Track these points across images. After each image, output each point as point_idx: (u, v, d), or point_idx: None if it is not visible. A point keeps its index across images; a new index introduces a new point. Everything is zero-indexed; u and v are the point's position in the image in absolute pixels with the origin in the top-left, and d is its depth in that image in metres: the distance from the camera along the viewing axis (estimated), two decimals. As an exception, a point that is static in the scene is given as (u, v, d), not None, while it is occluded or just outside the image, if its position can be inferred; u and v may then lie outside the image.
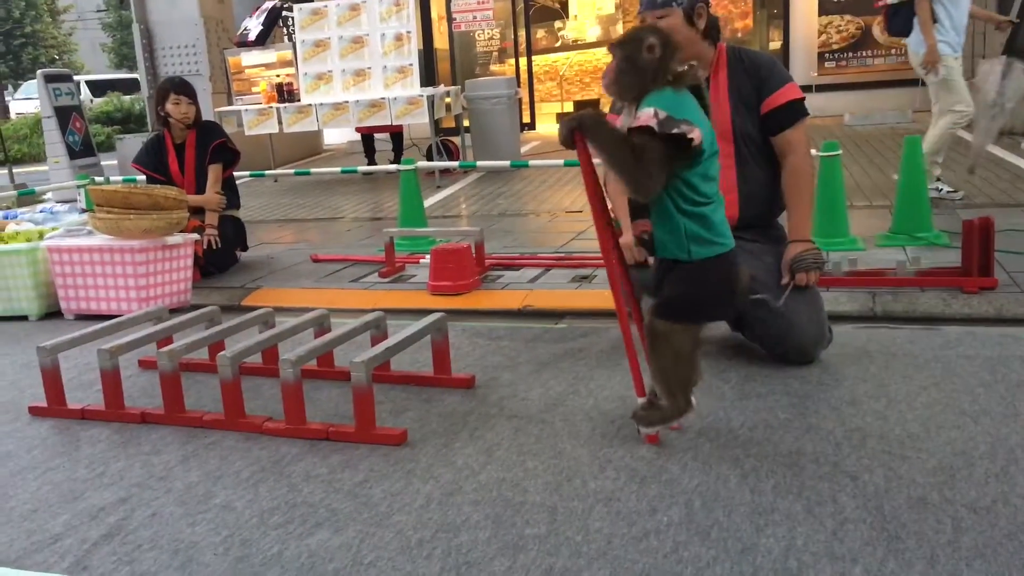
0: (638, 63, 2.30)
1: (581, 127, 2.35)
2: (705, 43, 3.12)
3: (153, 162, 5.23)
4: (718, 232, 2.39)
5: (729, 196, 3.06)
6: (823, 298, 3.21)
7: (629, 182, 2.30)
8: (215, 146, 5.17)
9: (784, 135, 3.10)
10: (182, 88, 5.14)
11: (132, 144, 9.30)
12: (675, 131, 2.22)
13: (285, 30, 10.60)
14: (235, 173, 5.51)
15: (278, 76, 9.46)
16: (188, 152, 5.18)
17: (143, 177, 5.34)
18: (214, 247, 5.03)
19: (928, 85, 5.83)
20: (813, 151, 5.20)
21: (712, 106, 3.08)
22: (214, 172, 5.17)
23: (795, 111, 3.10)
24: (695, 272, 2.40)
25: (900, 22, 5.83)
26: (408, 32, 8.76)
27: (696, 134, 2.23)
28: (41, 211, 5.59)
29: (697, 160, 2.30)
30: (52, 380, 3.17)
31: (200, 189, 5.13)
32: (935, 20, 5.53)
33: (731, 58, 3.15)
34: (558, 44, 16.61)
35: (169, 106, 5.11)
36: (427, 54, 12.58)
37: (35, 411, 3.21)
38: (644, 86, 2.31)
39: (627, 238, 2.94)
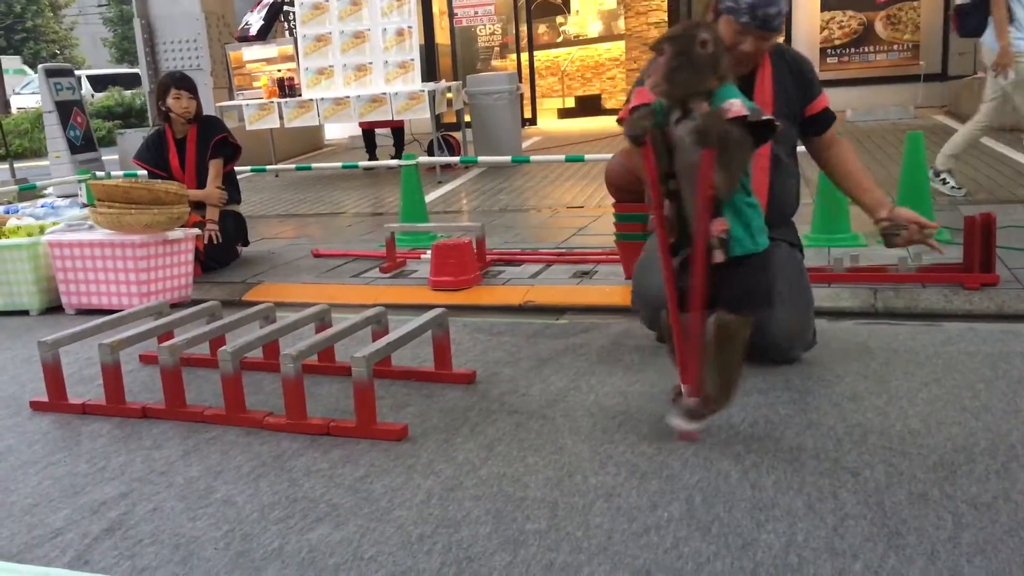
0: (692, 59, 2.24)
1: (712, 140, 2.22)
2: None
3: (154, 157, 5.23)
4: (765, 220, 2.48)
5: (760, 196, 2.92)
6: (817, 296, 3.19)
7: (732, 179, 2.28)
8: (216, 141, 5.17)
9: (825, 136, 3.21)
10: (183, 83, 5.14)
11: (133, 139, 9.31)
12: (765, 118, 2.24)
13: (286, 25, 10.59)
14: (236, 168, 5.51)
15: (279, 71, 9.45)
16: (189, 147, 5.18)
17: (144, 172, 5.34)
18: (215, 242, 5.03)
19: (987, 84, 5.64)
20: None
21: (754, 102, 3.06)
22: (215, 167, 5.17)
23: (833, 116, 3.22)
24: (763, 261, 2.45)
25: (974, 23, 5.61)
26: (409, 27, 8.75)
27: (780, 123, 2.30)
28: (42, 206, 5.59)
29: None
30: (53, 375, 3.17)
31: (201, 184, 5.13)
32: (1011, 20, 5.33)
33: (774, 56, 3.08)
34: (559, 39, 16.60)
35: (170, 101, 5.11)
36: (428, 49, 12.57)
37: (36, 406, 3.21)
38: (699, 83, 2.26)
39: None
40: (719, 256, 2.39)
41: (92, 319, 3.44)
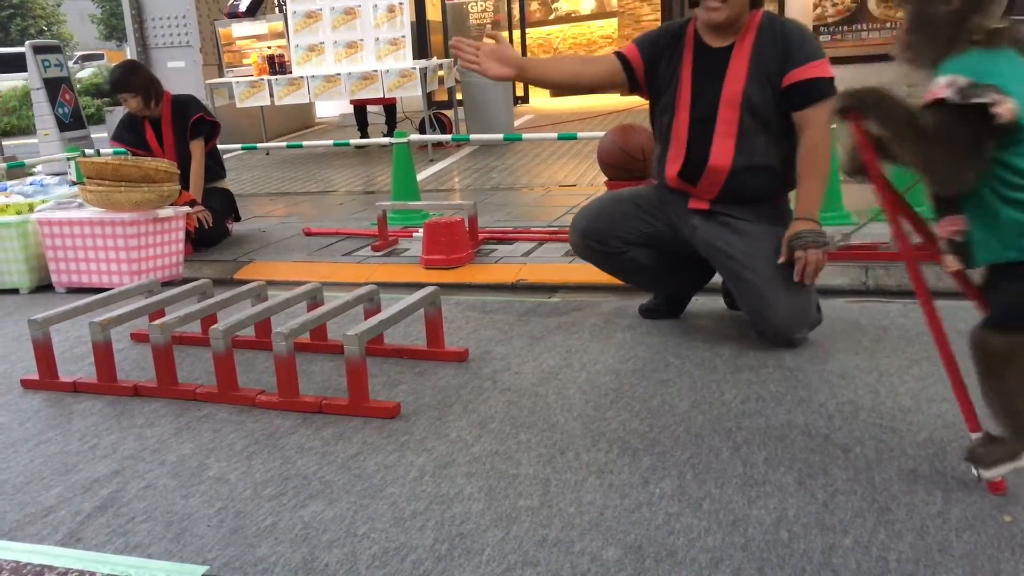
0: (931, 18, 1.87)
1: (860, 107, 1.92)
2: (748, 4, 3.02)
3: (133, 138, 5.13)
4: None
5: (723, 163, 3.01)
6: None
7: (929, 172, 1.88)
8: (194, 121, 5.10)
9: (804, 112, 2.97)
10: (119, 87, 5.00)
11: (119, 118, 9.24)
12: (975, 100, 1.74)
13: (276, 1, 10.50)
14: (226, 146, 5.46)
15: (269, 48, 9.38)
16: (165, 128, 5.09)
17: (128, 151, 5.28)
18: (206, 226, 4.95)
19: None
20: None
21: (729, 71, 3.02)
22: (198, 148, 5.09)
23: (818, 89, 2.94)
24: None
25: None
26: (400, 3, 8.67)
27: (1007, 106, 1.73)
28: (31, 184, 5.53)
29: (1016, 136, 1.79)
30: (44, 353, 3.16)
31: (182, 163, 5.02)
32: None
33: (763, 25, 3.02)
34: (552, 17, 16.50)
35: (122, 102, 5.05)
36: (420, 26, 12.47)
37: (27, 384, 3.20)
38: (942, 48, 1.87)
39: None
40: (952, 263, 2.04)
41: (82, 297, 3.42)
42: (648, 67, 3.18)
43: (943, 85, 1.78)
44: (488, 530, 2.03)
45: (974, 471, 2.03)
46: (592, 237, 3.27)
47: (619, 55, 3.22)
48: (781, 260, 2.93)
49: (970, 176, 1.83)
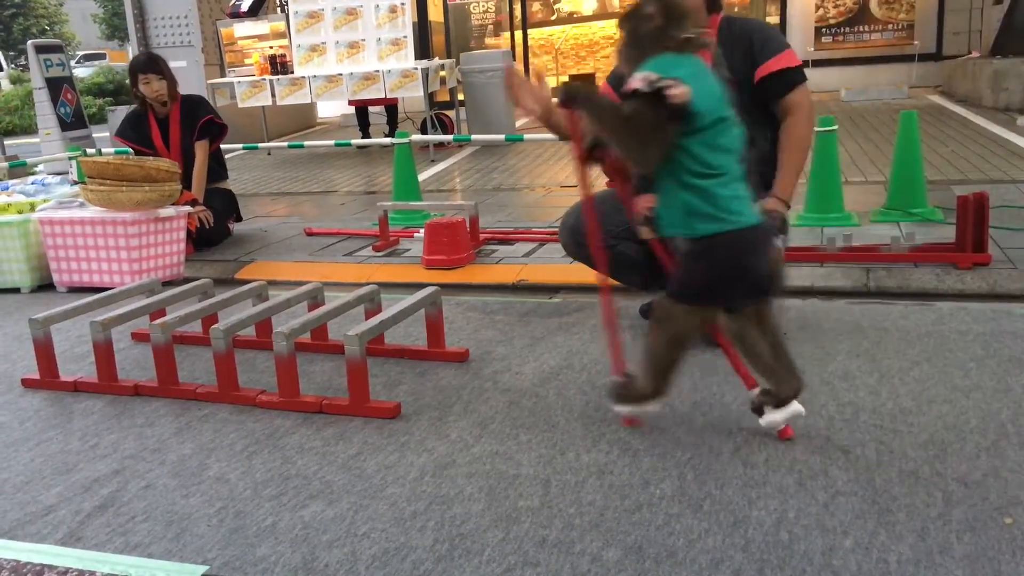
0: (639, 34, 2.24)
1: (572, 99, 2.28)
2: (704, 14, 3.06)
3: (137, 136, 5.14)
4: (726, 208, 2.18)
5: None
6: (810, 276, 3.18)
7: (627, 152, 2.24)
8: (203, 123, 5.10)
9: (784, 100, 3.08)
10: (148, 66, 5.02)
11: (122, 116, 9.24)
12: (658, 86, 2.08)
13: (278, 1, 10.50)
14: (228, 146, 5.46)
15: (271, 48, 9.39)
16: (173, 127, 5.10)
17: (130, 150, 5.28)
18: (207, 226, 4.95)
19: None
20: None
21: None
22: (202, 149, 5.10)
23: (789, 79, 3.07)
24: (700, 250, 2.22)
25: None
26: (402, 3, 8.68)
27: (680, 90, 2.07)
28: (32, 183, 5.54)
29: (694, 126, 2.13)
30: (45, 352, 3.16)
31: (186, 164, 5.05)
32: None
33: (722, 29, 3.10)
34: (554, 17, 16.50)
35: (141, 86, 5.02)
36: (421, 26, 12.48)
37: (28, 383, 3.20)
38: (645, 55, 2.20)
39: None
40: (646, 233, 2.41)
41: (83, 297, 3.42)
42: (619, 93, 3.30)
43: (638, 79, 2.13)
44: (488, 530, 2.02)
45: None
46: (580, 232, 3.31)
47: None
48: None
49: (656, 154, 2.17)
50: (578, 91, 2.28)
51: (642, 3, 2.27)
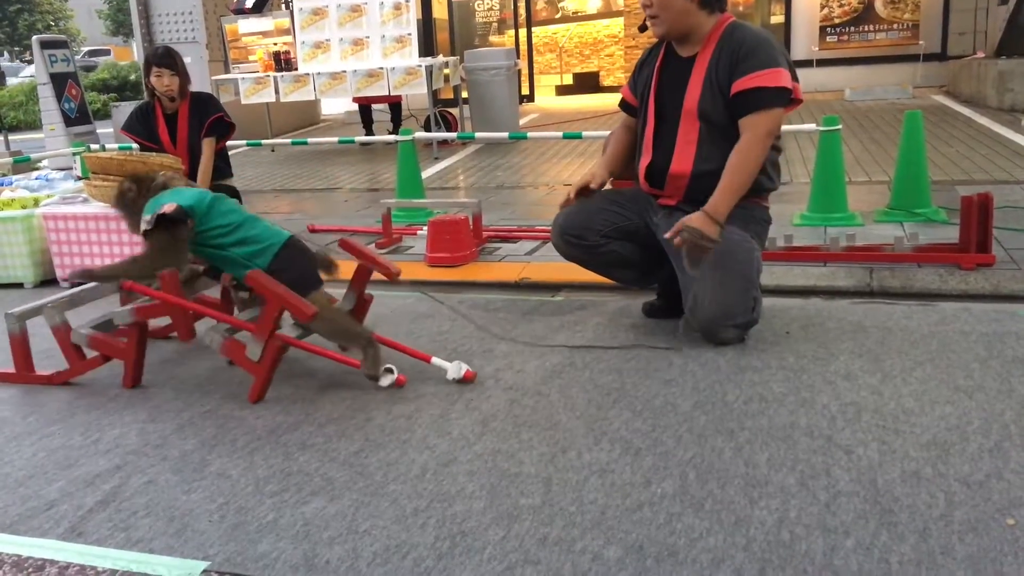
0: (126, 203, 3.08)
1: (93, 278, 3.23)
2: (702, 14, 3.05)
3: (145, 130, 5.14)
4: (256, 241, 3.00)
5: (684, 169, 3.11)
6: (813, 275, 3.17)
7: (168, 263, 2.96)
8: (212, 121, 5.10)
9: (744, 119, 2.98)
10: (162, 59, 4.99)
11: (128, 112, 9.24)
12: (156, 215, 2.89)
13: (282, -2, 10.50)
14: (232, 143, 5.46)
15: (275, 44, 9.39)
16: (180, 123, 5.09)
17: (136, 145, 5.29)
18: None
19: None
20: (812, 125, 5.19)
21: (690, 82, 3.09)
22: (209, 146, 5.10)
23: (758, 99, 2.94)
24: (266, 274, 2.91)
25: None
26: (407, 1, 8.68)
27: (169, 207, 2.88)
28: (36, 178, 5.54)
29: (196, 215, 2.93)
30: (20, 347, 3.19)
31: (192, 162, 5.05)
32: None
33: (724, 34, 3.05)
34: (558, 15, 16.49)
35: (152, 79, 5.01)
36: (426, 24, 12.48)
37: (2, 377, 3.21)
38: (138, 210, 3.00)
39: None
40: (237, 298, 3.22)
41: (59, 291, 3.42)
42: (636, 94, 3.37)
43: (146, 220, 2.93)
44: (489, 528, 2.02)
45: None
46: (570, 232, 3.33)
47: (622, 104, 3.46)
48: (667, 236, 3.01)
49: (184, 255, 3.03)
50: (100, 275, 3.24)
51: (120, 185, 3.12)
